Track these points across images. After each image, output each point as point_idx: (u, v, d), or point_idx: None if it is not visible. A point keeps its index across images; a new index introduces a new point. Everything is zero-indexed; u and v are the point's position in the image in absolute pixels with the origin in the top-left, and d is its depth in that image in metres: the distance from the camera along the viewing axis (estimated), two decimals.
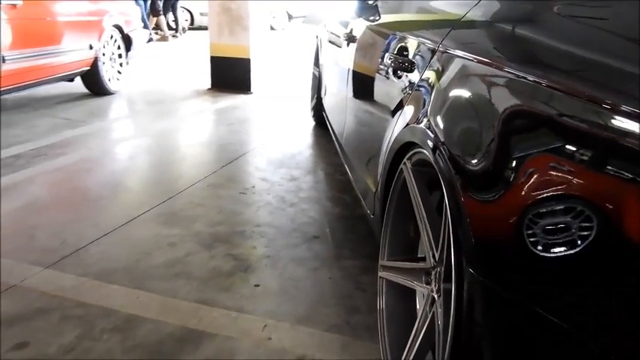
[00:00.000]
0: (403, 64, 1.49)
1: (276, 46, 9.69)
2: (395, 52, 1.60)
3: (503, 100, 0.94)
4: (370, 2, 2.24)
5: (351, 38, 2.38)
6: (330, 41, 3.20)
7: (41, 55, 3.95)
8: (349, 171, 2.38)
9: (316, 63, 3.97)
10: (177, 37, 10.76)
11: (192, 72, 6.39)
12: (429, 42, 1.36)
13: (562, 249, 0.73)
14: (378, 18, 2.06)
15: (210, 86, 5.45)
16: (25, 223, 2.33)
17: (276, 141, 3.77)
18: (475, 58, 1.08)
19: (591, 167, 0.72)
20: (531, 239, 0.77)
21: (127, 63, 5.38)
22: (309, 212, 2.55)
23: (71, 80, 4.68)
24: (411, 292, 1.46)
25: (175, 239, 2.22)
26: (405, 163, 1.35)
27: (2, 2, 3.47)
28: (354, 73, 2.25)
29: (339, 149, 2.69)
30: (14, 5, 3.58)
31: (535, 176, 0.79)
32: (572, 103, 0.77)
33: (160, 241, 2.20)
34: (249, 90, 5.32)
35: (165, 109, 4.65)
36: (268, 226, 2.38)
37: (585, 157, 0.73)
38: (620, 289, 0.69)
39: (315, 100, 4.03)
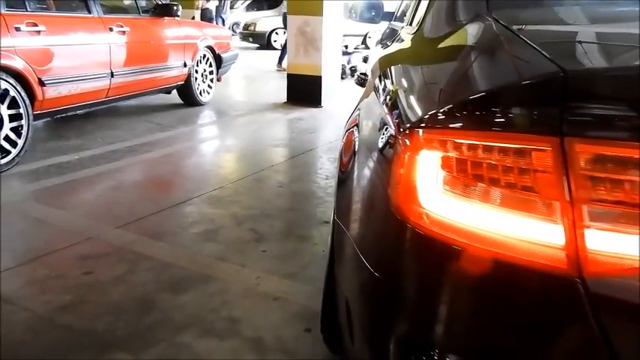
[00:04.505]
0: (363, 80, 1.97)
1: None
2: (363, 72, 2.08)
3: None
4: (392, 29, 2.69)
5: (365, 59, 2.87)
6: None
7: (143, 71, 4.81)
8: None
9: None
10: None
11: (274, 88, 7.12)
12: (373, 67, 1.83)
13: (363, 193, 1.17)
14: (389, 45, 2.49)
15: (285, 100, 6.13)
16: (108, 198, 3.07)
17: (326, 147, 4.30)
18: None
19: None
20: (352, 188, 1.22)
21: (219, 79, 6.21)
22: (330, 204, 3.04)
23: (168, 92, 5.55)
24: None
25: (215, 216, 2.81)
26: None
27: (114, 29, 4.36)
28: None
29: None
30: (123, 31, 4.46)
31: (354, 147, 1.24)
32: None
33: (203, 217, 2.81)
34: (320, 104, 5.91)
35: (243, 118, 5.37)
36: (291, 212, 2.91)
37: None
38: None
39: None
